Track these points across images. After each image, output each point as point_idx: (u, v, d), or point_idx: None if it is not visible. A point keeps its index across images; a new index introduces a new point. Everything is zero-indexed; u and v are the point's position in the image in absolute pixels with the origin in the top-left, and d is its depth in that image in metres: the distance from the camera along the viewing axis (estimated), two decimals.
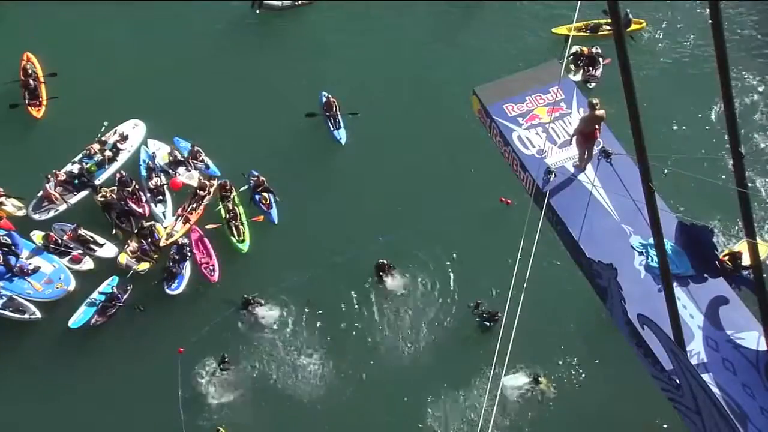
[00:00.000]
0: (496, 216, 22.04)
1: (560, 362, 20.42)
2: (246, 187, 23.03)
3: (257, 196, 22.82)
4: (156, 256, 22.11)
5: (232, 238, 22.33)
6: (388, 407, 19.95)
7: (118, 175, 23.18)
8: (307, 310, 21.39)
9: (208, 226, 22.53)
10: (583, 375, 20.22)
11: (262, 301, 21.35)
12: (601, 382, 20.03)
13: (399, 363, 20.62)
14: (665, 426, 18.82)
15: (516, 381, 19.98)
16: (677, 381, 10.51)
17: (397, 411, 19.91)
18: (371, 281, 21.67)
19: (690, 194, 20.98)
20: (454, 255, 22.05)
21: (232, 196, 22.89)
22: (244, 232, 22.46)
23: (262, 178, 22.86)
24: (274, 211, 22.81)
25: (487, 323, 20.48)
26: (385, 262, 21.55)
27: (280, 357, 20.77)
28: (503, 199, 21.95)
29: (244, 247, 22.28)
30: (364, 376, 20.45)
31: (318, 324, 21.21)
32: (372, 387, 20.28)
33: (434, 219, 22.03)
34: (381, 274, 21.57)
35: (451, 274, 21.80)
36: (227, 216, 22.56)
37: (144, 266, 21.89)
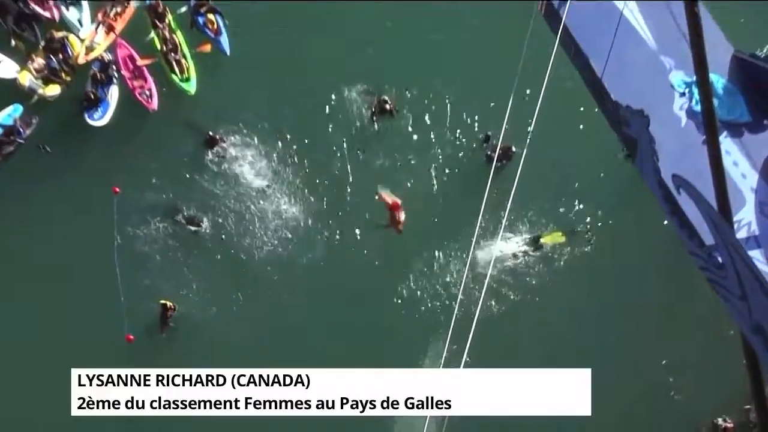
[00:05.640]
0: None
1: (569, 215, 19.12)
2: (184, 8, 19.31)
3: (201, 18, 19.16)
4: (68, 78, 18.72)
5: (174, 76, 18.93)
6: (372, 263, 18.30)
7: None
8: (279, 148, 18.71)
9: (139, 62, 19.05)
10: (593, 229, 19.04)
11: (227, 140, 18.66)
12: (613, 238, 19.00)
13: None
14: None
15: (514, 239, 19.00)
16: (719, 259, 8.52)
17: (381, 266, 18.29)
18: (361, 117, 19.01)
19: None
20: (457, 80, 19.57)
21: (167, 21, 19.10)
22: (188, 68, 19.02)
23: None
24: (224, 38, 19.20)
25: (499, 162, 18.20)
26: (386, 99, 18.84)
27: (243, 207, 18.46)
28: None
29: (190, 87, 18.99)
30: (348, 229, 18.48)
31: (293, 168, 18.69)
32: (356, 239, 18.42)
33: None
34: (374, 111, 18.98)
35: (457, 104, 19.38)
36: (163, 47, 18.95)
37: (53, 90, 18.55)
